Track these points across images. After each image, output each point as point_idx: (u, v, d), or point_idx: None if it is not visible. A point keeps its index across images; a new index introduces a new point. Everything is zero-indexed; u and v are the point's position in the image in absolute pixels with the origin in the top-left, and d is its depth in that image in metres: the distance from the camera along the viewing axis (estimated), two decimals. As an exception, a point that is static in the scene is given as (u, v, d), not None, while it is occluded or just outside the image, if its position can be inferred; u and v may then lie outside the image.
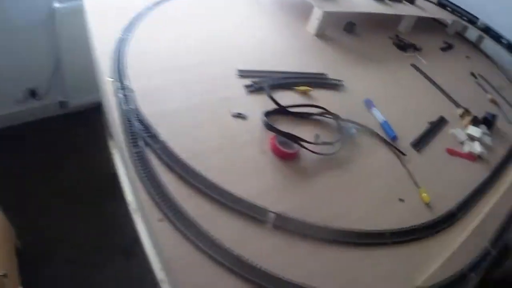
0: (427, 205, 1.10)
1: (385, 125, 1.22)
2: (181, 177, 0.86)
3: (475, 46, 2.45)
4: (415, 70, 1.70)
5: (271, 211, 0.86)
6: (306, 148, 1.01)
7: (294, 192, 0.94)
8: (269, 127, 1.01)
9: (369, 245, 0.92)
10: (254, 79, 1.14)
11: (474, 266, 1.01)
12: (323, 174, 1.01)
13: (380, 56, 1.61)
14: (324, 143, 1.05)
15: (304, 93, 1.19)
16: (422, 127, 1.36)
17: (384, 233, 0.96)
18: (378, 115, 1.24)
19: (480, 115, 1.60)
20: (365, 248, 0.91)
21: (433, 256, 0.98)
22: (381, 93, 1.39)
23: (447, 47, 2.13)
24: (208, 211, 0.82)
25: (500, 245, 1.10)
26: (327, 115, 1.14)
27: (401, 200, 1.07)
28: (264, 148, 0.98)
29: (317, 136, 1.07)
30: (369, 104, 1.27)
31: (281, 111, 1.08)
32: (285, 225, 0.86)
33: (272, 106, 1.08)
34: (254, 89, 1.11)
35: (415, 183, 1.13)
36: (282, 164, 0.97)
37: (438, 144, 1.33)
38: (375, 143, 1.18)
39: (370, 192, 1.04)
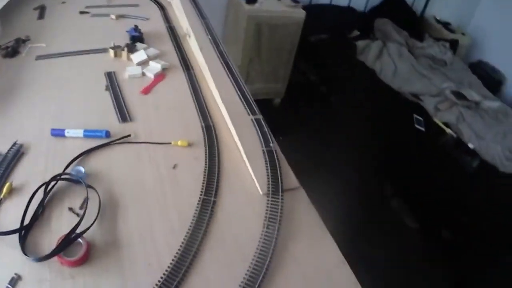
0: (191, 144, 1.06)
1: (89, 134, 1.06)
2: None
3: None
4: (42, 59, 1.49)
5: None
6: (82, 233, 0.80)
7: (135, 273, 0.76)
8: (41, 258, 0.76)
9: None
10: None
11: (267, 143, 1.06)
12: (122, 229, 0.84)
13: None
14: (83, 208, 0.86)
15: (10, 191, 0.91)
16: (106, 98, 1.23)
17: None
18: (74, 132, 1.06)
19: (126, 39, 1.55)
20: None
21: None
22: (50, 111, 1.17)
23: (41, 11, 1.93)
24: None
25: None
26: (45, 186, 0.91)
27: (175, 166, 1.00)
28: (67, 273, 0.75)
29: (71, 210, 0.87)
30: (58, 132, 1.06)
31: (23, 232, 0.82)
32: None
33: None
34: None
35: (162, 143, 1.06)
36: (92, 268, 0.76)
37: (132, 94, 1.25)
38: (106, 155, 1.02)
39: (155, 195, 0.93)
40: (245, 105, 1.19)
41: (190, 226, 0.84)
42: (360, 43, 2.83)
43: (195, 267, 0.77)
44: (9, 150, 0.99)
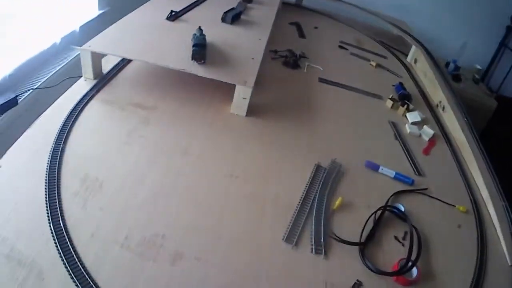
0: (467, 211, 1.31)
1: (399, 177, 1.35)
2: None
3: (298, 6, 2.66)
4: (324, 83, 1.79)
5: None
6: (417, 261, 1.03)
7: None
8: (385, 273, 0.98)
9: None
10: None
11: None
12: (433, 263, 1.09)
13: (294, 94, 1.61)
14: (405, 239, 1.11)
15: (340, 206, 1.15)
16: (396, 146, 1.52)
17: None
18: (387, 171, 1.35)
19: (389, 92, 1.81)
20: None
21: None
22: (353, 138, 1.47)
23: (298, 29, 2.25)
24: None
25: None
26: (375, 213, 1.16)
27: (459, 226, 1.26)
28: None
29: (396, 239, 1.12)
30: (372, 166, 1.36)
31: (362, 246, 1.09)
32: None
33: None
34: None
35: (449, 204, 1.34)
36: None
37: (416, 151, 1.51)
38: (410, 199, 1.27)
39: (449, 244, 1.19)
40: (497, 190, 1.46)
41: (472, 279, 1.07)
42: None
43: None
44: (330, 166, 1.27)
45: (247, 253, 0.93)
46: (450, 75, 2.84)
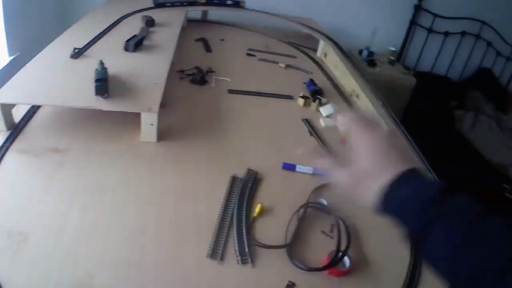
0: None
1: (317, 172, 1.33)
2: None
3: (204, 21, 2.64)
4: (234, 94, 1.74)
5: None
6: (346, 251, 1.00)
7: None
8: (316, 269, 0.96)
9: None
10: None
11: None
12: (366, 248, 1.07)
13: (203, 110, 1.59)
14: (333, 231, 1.09)
15: (261, 212, 1.14)
16: (312, 142, 1.50)
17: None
18: (304, 168, 1.32)
19: (301, 91, 1.80)
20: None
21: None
22: (269, 144, 1.44)
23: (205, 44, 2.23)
24: None
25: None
26: (297, 212, 1.14)
27: None
28: (335, 282, 0.95)
29: (323, 233, 1.10)
30: (289, 166, 1.32)
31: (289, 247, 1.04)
32: None
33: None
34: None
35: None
36: (355, 278, 0.98)
37: (334, 142, 1.49)
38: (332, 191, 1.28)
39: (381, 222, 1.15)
40: (422, 163, 1.45)
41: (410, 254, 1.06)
42: (457, 113, 3.13)
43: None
44: (246, 175, 1.25)
45: (174, 278, 0.91)
46: (365, 61, 2.89)
